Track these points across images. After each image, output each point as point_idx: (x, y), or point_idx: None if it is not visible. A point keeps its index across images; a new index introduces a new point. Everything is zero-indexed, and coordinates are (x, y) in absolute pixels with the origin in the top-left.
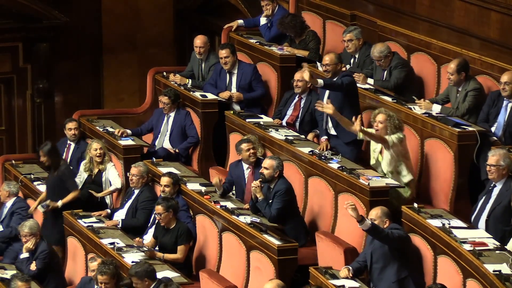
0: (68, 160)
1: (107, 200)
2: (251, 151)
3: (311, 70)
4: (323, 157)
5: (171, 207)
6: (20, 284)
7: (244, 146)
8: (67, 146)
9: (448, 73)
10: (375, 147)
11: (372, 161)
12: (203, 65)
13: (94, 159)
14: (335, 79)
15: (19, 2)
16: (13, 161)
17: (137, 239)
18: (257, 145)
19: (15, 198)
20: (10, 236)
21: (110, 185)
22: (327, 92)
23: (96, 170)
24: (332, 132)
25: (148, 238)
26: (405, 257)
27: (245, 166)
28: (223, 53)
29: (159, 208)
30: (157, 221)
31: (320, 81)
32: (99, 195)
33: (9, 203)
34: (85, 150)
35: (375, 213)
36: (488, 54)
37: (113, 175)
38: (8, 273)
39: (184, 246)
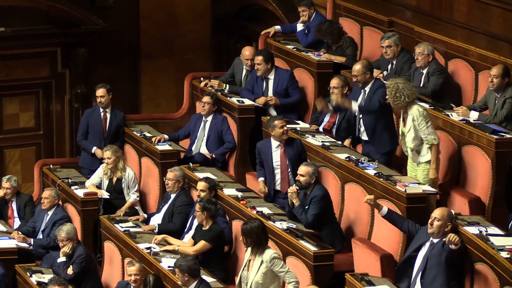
0: (107, 130)
1: (136, 206)
2: (285, 128)
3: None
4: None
5: (206, 209)
6: None
7: (277, 122)
8: (103, 114)
9: (492, 76)
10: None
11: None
12: (248, 76)
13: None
14: (367, 88)
15: (58, 8)
16: (51, 166)
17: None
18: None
19: (55, 207)
20: (47, 246)
21: (129, 194)
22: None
23: (115, 177)
24: (364, 137)
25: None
26: (458, 269)
27: (274, 144)
28: (258, 59)
29: (197, 206)
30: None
31: (355, 107)
32: (119, 213)
33: (50, 212)
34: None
35: (441, 214)
36: None
37: (134, 187)
38: (45, 277)
39: (204, 243)
